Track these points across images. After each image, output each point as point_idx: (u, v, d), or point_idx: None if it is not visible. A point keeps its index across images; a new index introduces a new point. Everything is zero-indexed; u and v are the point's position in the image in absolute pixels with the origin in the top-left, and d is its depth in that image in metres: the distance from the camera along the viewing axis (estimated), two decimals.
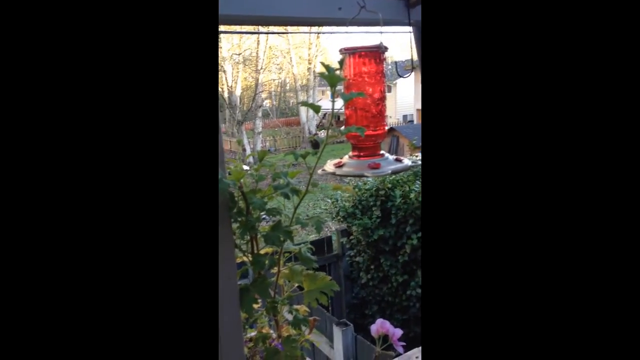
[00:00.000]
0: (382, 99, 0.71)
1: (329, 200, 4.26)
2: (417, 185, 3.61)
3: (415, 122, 17.75)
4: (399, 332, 0.69)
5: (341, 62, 0.61)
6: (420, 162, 0.74)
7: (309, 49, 18.09)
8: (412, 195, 3.56)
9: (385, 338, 0.71)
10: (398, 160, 0.72)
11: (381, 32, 0.73)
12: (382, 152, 0.73)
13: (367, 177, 0.68)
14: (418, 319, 3.64)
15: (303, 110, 18.23)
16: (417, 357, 1.03)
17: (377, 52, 0.70)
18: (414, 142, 4.71)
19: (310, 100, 17.85)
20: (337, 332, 2.57)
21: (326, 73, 0.60)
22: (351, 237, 3.99)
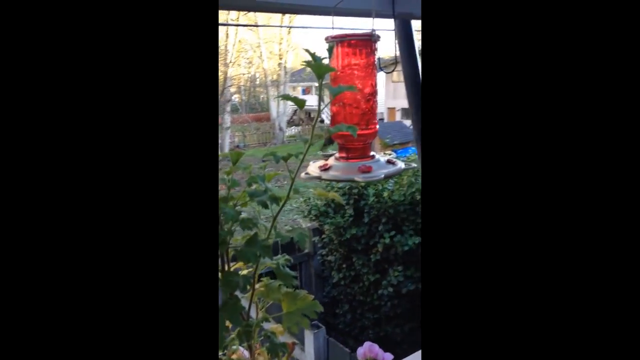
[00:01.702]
0: (374, 94, 0.63)
1: (301, 198, 4.17)
2: (390, 184, 3.60)
3: (385, 121, 17.93)
4: (389, 356, 0.62)
5: (330, 50, 0.53)
6: (413, 165, 0.67)
7: (280, 44, 17.87)
8: (385, 194, 3.54)
9: None
10: (390, 163, 0.64)
11: (345, 29, 0.65)
12: (372, 153, 0.66)
13: (357, 182, 0.60)
14: (389, 318, 3.64)
15: (274, 105, 18.01)
16: None
17: (369, 42, 0.61)
18: (387, 140, 4.71)
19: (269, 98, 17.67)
20: (308, 335, 2.51)
21: (312, 62, 0.51)
22: (323, 236, 3.94)
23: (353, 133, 0.51)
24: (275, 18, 17.49)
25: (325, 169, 0.64)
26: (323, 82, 0.53)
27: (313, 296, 0.61)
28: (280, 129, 17.70)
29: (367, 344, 0.63)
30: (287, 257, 0.69)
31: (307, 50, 0.52)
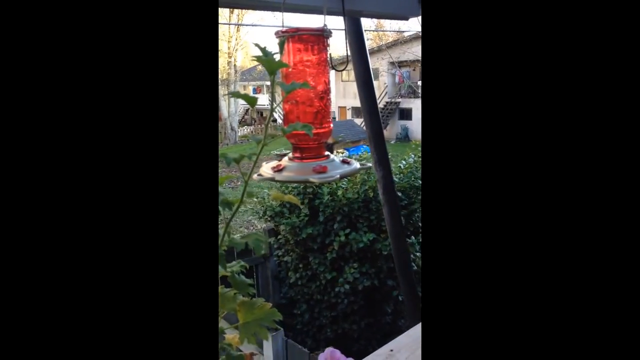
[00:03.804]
0: (327, 91, 0.62)
1: (255, 199, 4.10)
2: (344, 183, 3.62)
3: (337, 119, 18.13)
4: None
5: (281, 45, 0.50)
6: (368, 165, 0.66)
7: (229, 42, 17.49)
8: (339, 192, 3.56)
9: None
10: (345, 162, 0.63)
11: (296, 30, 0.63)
12: (326, 153, 0.64)
13: (312, 182, 0.58)
14: (346, 315, 3.67)
15: (224, 105, 17.59)
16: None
17: (320, 37, 0.60)
18: (340, 138, 4.75)
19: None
20: None
21: (263, 58, 0.48)
22: (279, 237, 3.89)
23: (309, 132, 0.49)
24: (223, 15, 17.09)
25: (278, 169, 0.62)
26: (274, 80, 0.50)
27: (271, 304, 0.58)
28: (232, 129, 17.34)
29: (328, 350, 0.61)
30: (242, 263, 0.65)
31: (257, 45, 0.49)
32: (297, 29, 0.58)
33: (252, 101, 0.50)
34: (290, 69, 0.60)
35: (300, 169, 0.61)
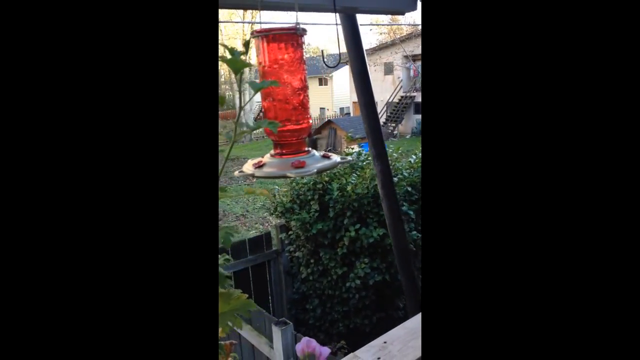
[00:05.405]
0: (304, 88, 0.63)
1: (261, 196, 4.14)
2: (353, 178, 3.63)
3: (351, 115, 18.07)
4: (326, 351, 0.62)
5: (247, 44, 0.52)
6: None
7: (243, 40, 17.61)
8: (349, 188, 3.57)
9: (311, 357, 0.64)
10: (325, 157, 0.65)
11: (297, 24, 0.64)
12: (307, 148, 0.65)
13: (290, 177, 0.60)
14: (358, 310, 3.68)
15: (238, 103, 17.74)
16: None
17: (293, 35, 0.61)
18: (350, 134, 4.74)
19: (247, 94, 17.41)
20: (276, 332, 2.50)
21: (228, 57, 0.50)
22: (290, 233, 3.93)
23: (273, 129, 0.50)
24: (237, 14, 17.21)
25: (259, 166, 0.63)
26: (247, 78, 0.52)
27: (247, 295, 0.60)
28: (247, 126, 17.47)
29: (304, 339, 0.63)
30: (226, 257, 0.68)
31: (224, 45, 0.51)
32: (270, 29, 0.60)
33: (221, 100, 0.52)
34: (266, 68, 0.61)
35: (279, 165, 0.63)
